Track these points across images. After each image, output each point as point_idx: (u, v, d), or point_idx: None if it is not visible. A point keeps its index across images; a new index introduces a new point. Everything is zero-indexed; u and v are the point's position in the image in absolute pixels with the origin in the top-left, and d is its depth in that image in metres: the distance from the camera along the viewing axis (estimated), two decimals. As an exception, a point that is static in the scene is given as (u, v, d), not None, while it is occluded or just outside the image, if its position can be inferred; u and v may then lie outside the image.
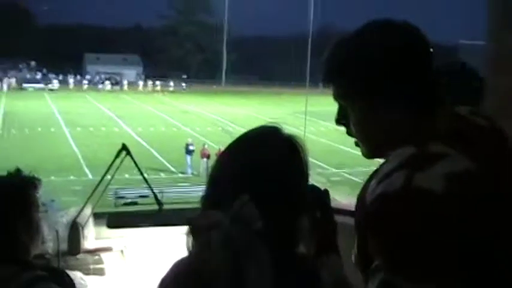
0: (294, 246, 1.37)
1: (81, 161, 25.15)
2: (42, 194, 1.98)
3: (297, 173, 1.37)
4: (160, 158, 27.00)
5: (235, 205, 1.21)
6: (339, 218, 1.65)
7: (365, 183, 1.38)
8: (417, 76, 1.37)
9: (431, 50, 1.42)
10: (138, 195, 18.05)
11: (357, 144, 1.46)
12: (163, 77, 78.57)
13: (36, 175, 1.98)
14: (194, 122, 38.35)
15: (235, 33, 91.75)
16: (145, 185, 3.07)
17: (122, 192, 19.35)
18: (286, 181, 1.33)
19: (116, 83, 64.51)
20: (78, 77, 71.16)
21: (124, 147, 2.59)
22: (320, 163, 23.43)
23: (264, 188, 1.29)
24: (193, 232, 1.25)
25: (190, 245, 1.27)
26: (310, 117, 32.77)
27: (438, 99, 1.41)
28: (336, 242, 1.59)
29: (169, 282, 1.29)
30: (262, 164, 1.33)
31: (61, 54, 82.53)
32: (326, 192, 1.61)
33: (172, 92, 64.06)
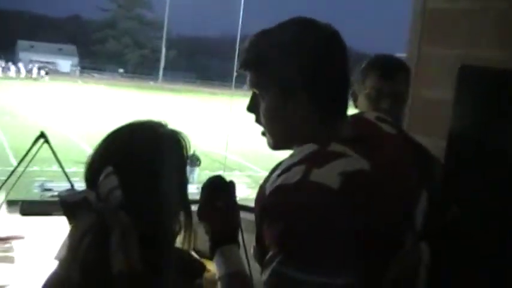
0: (167, 242, 1.39)
1: (7, 150, 24.40)
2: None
3: (173, 167, 1.38)
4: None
5: (100, 179, 1.22)
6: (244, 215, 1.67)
7: (267, 175, 1.42)
8: (330, 77, 1.42)
9: (347, 54, 1.46)
10: (66, 188, 17.59)
11: (263, 134, 1.50)
12: (100, 70, 77.23)
13: None
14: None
15: (174, 31, 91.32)
16: (74, 178, 3.04)
17: (49, 185, 18.86)
18: (159, 173, 1.33)
19: (46, 73, 62.65)
20: (10, 64, 68.94)
21: (42, 135, 2.56)
22: (250, 165, 23.50)
23: (134, 178, 1.30)
24: (65, 211, 1.25)
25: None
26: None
27: (347, 101, 1.46)
28: (236, 232, 1.61)
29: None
30: (136, 153, 1.34)
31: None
32: (232, 184, 1.63)
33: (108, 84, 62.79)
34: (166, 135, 1.40)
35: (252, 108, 1.51)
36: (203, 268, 1.68)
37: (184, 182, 1.44)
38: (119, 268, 1.19)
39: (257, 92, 1.48)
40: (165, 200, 1.35)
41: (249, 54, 1.47)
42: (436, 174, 1.95)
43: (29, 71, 64.47)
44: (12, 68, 63.52)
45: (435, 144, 2.06)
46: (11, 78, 58.16)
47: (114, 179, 1.23)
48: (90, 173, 1.34)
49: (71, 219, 1.26)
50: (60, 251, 1.26)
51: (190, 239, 1.48)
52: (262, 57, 1.44)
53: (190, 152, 1.46)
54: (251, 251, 1.58)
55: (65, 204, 1.25)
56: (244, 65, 1.48)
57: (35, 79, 58.60)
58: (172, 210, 1.40)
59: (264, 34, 1.46)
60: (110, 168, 1.24)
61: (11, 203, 2.80)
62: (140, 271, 1.21)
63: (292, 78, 1.40)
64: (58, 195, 1.26)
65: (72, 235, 1.25)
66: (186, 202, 1.44)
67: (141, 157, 1.33)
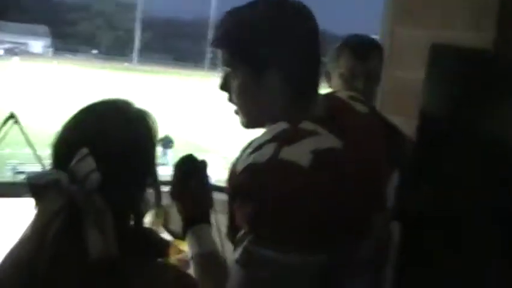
0: (138, 217, 1.36)
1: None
2: None
3: (143, 145, 1.36)
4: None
5: (74, 160, 1.19)
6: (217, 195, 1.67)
7: (239, 154, 1.42)
8: (300, 56, 1.42)
9: (319, 33, 1.46)
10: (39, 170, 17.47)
11: (236, 113, 1.51)
12: (73, 51, 76.38)
13: None
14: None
15: (148, 13, 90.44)
16: (48, 160, 2.97)
17: (21, 168, 18.68)
18: (132, 153, 1.31)
19: (15, 54, 61.68)
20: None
21: (11, 116, 2.52)
22: (225, 146, 23.46)
23: (105, 150, 1.27)
24: (33, 192, 1.21)
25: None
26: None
27: (318, 80, 1.46)
28: (209, 211, 1.60)
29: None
30: (108, 133, 1.31)
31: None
32: (203, 162, 1.63)
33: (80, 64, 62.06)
34: (134, 113, 1.37)
35: (224, 86, 1.50)
36: (168, 247, 1.67)
37: (154, 161, 1.42)
38: (97, 254, 1.17)
39: (229, 70, 1.47)
40: (139, 181, 1.34)
41: (220, 31, 1.47)
42: (407, 153, 1.96)
43: (3, 53, 63.46)
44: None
45: (408, 123, 2.07)
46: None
47: (90, 161, 1.20)
48: (59, 152, 1.31)
49: (38, 201, 1.23)
50: (25, 231, 1.24)
51: (160, 218, 1.47)
52: (233, 34, 1.44)
53: (162, 133, 1.44)
54: (224, 230, 1.58)
55: (33, 186, 1.21)
56: (216, 42, 1.48)
57: (4, 60, 57.53)
58: (145, 190, 1.38)
59: (236, 12, 1.45)
60: (85, 150, 1.20)
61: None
62: (116, 256, 1.20)
63: (263, 57, 1.40)
64: (26, 177, 1.22)
65: (39, 217, 1.22)
66: (156, 181, 1.43)
67: (114, 137, 1.30)
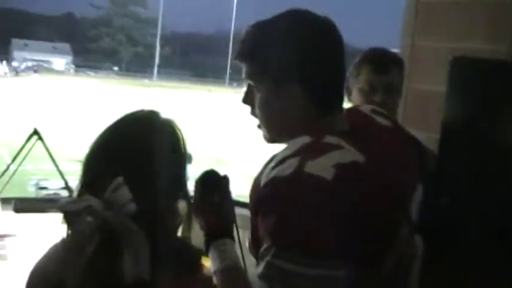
0: (172, 230, 1.38)
1: (1, 148, 24.30)
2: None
3: (174, 158, 1.38)
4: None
5: (108, 188, 1.19)
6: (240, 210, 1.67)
7: (262, 168, 1.42)
8: (324, 69, 1.41)
9: (343, 47, 1.46)
10: (62, 186, 17.53)
11: (259, 127, 1.50)
12: (94, 68, 77.09)
13: None
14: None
15: (168, 28, 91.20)
16: (70, 176, 3.01)
17: (44, 183, 18.76)
18: (161, 165, 1.32)
19: (35, 71, 62.47)
20: (4, 62, 68.69)
21: (35, 132, 2.55)
22: (246, 160, 23.46)
23: (138, 172, 1.28)
24: (65, 218, 1.21)
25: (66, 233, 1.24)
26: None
27: (342, 94, 1.46)
28: (231, 226, 1.60)
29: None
30: (137, 147, 1.32)
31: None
32: (225, 177, 1.63)
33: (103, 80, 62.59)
34: (162, 124, 1.39)
35: (247, 100, 1.50)
36: (201, 259, 1.67)
37: (184, 172, 1.43)
38: (131, 276, 1.17)
39: (252, 83, 1.47)
40: (169, 193, 1.35)
41: (244, 45, 1.47)
42: (430, 166, 1.95)
43: (23, 70, 64.22)
44: (2, 66, 63.24)
45: (429, 136, 2.06)
46: (1, 76, 57.90)
47: (126, 191, 1.20)
48: (90, 176, 1.31)
49: (71, 227, 1.23)
50: (53, 248, 1.24)
51: (190, 231, 1.48)
52: (257, 48, 1.44)
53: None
54: (246, 245, 1.57)
55: (66, 213, 1.21)
56: (240, 56, 1.48)
57: (25, 77, 58.23)
58: (176, 203, 1.39)
59: (260, 25, 1.46)
60: (120, 179, 1.20)
61: (4, 201, 2.79)
62: (151, 277, 1.21)
63: (286, 70, 1.40)
64: (57, 205, 1.21)
65: (72, 239, 1.23)
66: (186, 193, 1.44)
67: (144, 152, 1.31)
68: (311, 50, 1.40)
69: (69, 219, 1.22)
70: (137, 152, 1.31)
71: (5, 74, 59.75)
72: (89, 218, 1.19)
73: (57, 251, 1.25)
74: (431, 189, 1.82)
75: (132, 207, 1.20)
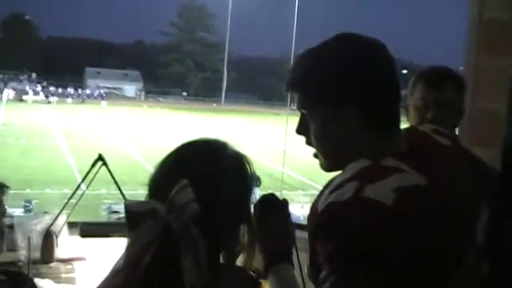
0: (231, 254, 1.38)
1: (76, 173, 24.96)
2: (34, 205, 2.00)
3: (240, 185, 1.40)
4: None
5: (173, 190, 1.22)
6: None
7: (319, 193, 1.40)
8: (377, 91, 1.38)
9: (395, 67, 1.44)
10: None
11: (315, 156, 1.47)
12: (164, 93, 78.81)
13: (1, 181, 1.98)
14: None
15: (235, 53, 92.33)
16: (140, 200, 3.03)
17: (116, 207, 19.14)
18: (228, 191, 1.34)
19: (102, 97, 64.48)
20: (79, 90, 71.09)
21: (100, 158, 2.62)
22: (313, 184, 23.36)
23: (209, 193, 1.30)
24: (129, 219, 1.25)
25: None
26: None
27: (398, 115, 1.43)
28: (290, 251, 1.59)
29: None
30: (207, 172, 1.34)
31: (62, 67, 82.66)
32: (285, 201, 1.62)
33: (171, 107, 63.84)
34: (232, 154, 1.42)
35: (301, 129, 1.48)
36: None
37: (248, 202, 1.45)
38: (191, 283, 1.19)
39: (305, 112, 1.45)
40: (232, 219, 1.37)
41: (294, 74, 1.45)
42: (495, 186, 1.89)
43: (96, 97, 66.35)
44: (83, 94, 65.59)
45: (492, 155, 2.00)
46: (77, 103, 59.89)
47: (190, 191, 1.22)
48: (156, 186, 1.35)
49: (132, 229, 1.25)
50: (117, 261, 1.27)
51: (252, 257, 1.48)
52: (308, 75, 1.41)
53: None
54: (305, 270, 1.56)
55: (130, 213, 1.24)
56: (291, 85, 1.46)
57: (96, 104, 60.12)
58: (238, 230, 1.41)
59: (309, 52, 1.44)
60: (184, 181, 1.23)
61: (72, 225, 2.86)
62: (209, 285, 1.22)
63: (340, 94, 1.37)
64: (124, 203, 1.26)
65: (132, 246, 1.24)
66: (250, 222, 1.45)
67: (213, 174, 1.33)
68: (361, 72, 1.37)
69: (132, 221, 1.24)
70: (205, 169, 1.34)
71: (84, 101, 61.79)
72: (150, 222, 1.21)
73: (118, 262, 1.27)
74: (496, 209, 1.77)
75: (194, 207, 1.21)
